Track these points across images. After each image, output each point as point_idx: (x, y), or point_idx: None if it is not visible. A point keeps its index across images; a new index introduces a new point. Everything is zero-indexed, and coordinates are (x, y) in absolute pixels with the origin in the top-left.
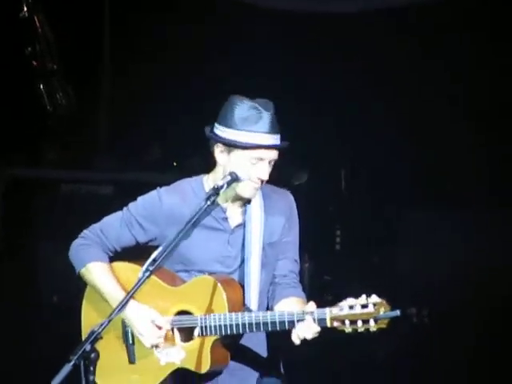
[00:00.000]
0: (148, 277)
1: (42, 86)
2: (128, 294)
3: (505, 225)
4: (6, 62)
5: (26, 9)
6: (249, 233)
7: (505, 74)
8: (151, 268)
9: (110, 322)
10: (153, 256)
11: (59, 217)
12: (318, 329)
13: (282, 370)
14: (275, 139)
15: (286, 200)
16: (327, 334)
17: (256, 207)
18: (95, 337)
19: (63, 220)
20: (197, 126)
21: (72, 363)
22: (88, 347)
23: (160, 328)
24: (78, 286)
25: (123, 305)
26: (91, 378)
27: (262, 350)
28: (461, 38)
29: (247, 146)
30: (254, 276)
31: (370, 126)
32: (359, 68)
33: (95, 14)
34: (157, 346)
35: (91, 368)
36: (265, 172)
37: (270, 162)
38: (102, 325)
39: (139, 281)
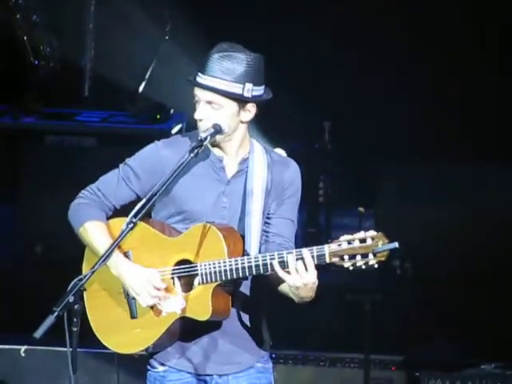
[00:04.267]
0: (131, 229)
1: (25, 38)
2: (111, 245)
3: (474, 178)
4: None
5: None
6: (250, 184)
7: None
8: (134, 220)
9: (93, 273)
10: (136, 208)
11: (43, 168)
12: (314, 273)
13: (265, 335)
14: (205, 80)
15: (291, 166)
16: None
17: (260, 162)
18: (78, 288)
19: (48, 171)
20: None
21: (55, 315)
22: (71, 298)
23: (157, 288)
24: (62, 236)
25: (107, 256)
26: (75, 329)
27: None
28: None
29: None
30: (254, 228)
31: (355, 79)
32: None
33: None
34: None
35: (75, 319)
36: (197, 112)
37: (209, 103)
38: (85, 276)
39: (122, 232)
